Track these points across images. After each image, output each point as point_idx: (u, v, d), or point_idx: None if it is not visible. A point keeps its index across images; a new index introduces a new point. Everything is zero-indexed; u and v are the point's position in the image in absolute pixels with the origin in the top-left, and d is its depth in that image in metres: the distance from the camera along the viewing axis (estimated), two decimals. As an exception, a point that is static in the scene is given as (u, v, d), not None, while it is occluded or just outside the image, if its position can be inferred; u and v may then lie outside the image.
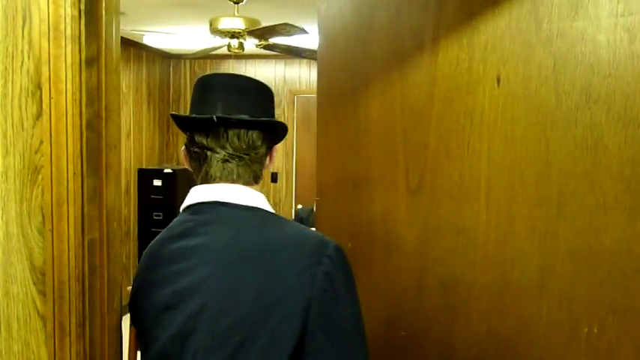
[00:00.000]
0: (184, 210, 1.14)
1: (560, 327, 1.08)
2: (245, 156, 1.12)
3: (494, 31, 1.17)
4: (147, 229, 5.90)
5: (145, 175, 5.98)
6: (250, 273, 1.00)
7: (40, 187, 0.92)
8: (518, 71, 1.13)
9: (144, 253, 1.16)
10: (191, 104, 1.19)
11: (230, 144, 1.10)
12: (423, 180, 1.33)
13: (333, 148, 1.56)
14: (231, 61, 6.41)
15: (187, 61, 6.65)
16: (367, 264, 1.48)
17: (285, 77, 6.47)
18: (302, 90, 6.50)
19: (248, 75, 1.23)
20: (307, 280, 0.98)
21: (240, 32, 3.63)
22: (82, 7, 0.91)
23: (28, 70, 0.90)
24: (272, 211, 1.13)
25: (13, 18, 0.90)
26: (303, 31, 3.34)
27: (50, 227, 0.92)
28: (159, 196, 5.90)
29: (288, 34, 3.42)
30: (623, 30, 0.98)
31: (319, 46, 1.60)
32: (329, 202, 1.59)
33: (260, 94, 1.19)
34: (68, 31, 0.90)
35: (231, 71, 6.30)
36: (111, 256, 1.01)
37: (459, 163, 1.25)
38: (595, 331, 1.03)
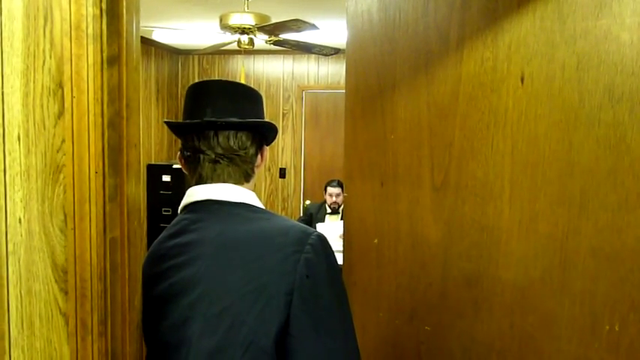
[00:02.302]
0: (181, 210, 1.21)
1: (582, 324, 1.08)
2: (235, 156, 1.18)
3: (518, 30, 1.16)
4: (156, 224, 5.93)
5: (153, 171, 6.00)
6: (238, 262, 1.06)
7: (62, 185, 0.92)
8: (542, 70, 1.13)
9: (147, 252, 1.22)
10: (183, 111, 1.26)
11: (220, 145, 1.17)
12: (447, 177, 1.33)
13: (360, 145, 1.57)
14: (239, 57, 6.40)
15: (196, 57, 6.65)
16: (393, 259, 1.49)
17: (293, 72, 6.45)
18: (310, 85, 6.48)
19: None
20: (290, 266, 1.03)
21: (250, 28, 3.62)
22: (104, 6, 0.91)
23: (49, 69, 0.90)
24: (262, 207, 1.19)
25: (35, 17, 0.90)
26: (313, 26, 3.34)
27: (72, 226, 0.92)
28: (168, 192, 5.92)
29: (299, 30, 3.42)
30: (647, 28, 0.97)
31: (347, 44, 1.62)
32: (356, 198, 1.59)
33: (248, 97, 1.25)
34: (90, 30, 0.90)
35: (239, 67, 6.29)
36: (132, 254, 1.01)
37: (483, 161, 1.25)
38: (616, 328, 1.03)
